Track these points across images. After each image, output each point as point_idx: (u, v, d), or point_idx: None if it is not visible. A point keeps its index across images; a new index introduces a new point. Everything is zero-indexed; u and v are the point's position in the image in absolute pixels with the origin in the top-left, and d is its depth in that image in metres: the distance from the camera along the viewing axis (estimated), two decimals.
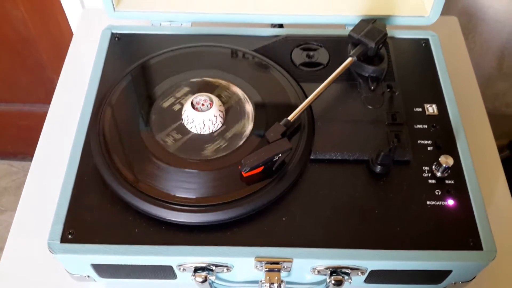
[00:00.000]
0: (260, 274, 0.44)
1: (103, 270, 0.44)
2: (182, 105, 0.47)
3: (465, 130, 0.48)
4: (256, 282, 0.45)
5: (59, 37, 1.09)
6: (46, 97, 1.31)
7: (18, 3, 1.02)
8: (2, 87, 1.27)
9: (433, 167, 0.46)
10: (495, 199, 0.56)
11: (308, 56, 0.54)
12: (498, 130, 1.14)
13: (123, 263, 0.42)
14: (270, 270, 0.41)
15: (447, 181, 0.45)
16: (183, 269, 0.42)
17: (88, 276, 0.45)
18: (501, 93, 0.96)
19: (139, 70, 0.52)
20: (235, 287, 0.45)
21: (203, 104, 0.46)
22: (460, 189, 0.45)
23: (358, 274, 0.42)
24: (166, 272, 0.44)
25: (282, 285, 0.42)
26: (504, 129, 1.13)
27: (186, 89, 0.50)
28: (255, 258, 0.41)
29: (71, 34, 1.03)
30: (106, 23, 0.57)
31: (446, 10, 0.79)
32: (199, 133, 0.46)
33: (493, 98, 0.97)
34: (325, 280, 0.44)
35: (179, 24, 0.59)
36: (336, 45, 0.55)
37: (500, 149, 1.10)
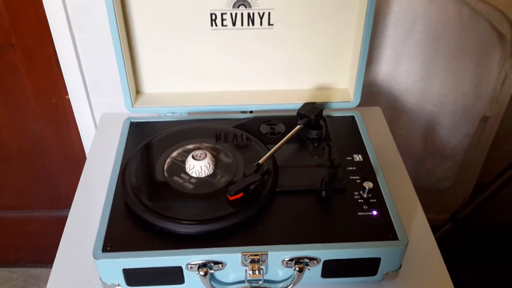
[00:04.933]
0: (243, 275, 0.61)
1: (131, 276, 0.60)
2: (185, 158, 0.68)
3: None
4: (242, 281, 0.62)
5: (70, 147, 1.29)
6: (52, 203, 1.45)
7: (39, 120, 1.23)
8: (12, 195, 1.41)
9: (361, 191, 0.66)
10: (407, 207, 0.75)
11: (271, 128, 0.77)
12: (438, 206, 1.34)
13: (147, 266, 0.59)
14: (252, 261, 0.58)
15: (371, 200, 0.65)
16: (190, 267, 0.59)
17: (118, 285, 0.61)
18: (431, 170, 1.19)
19: (153, 141, 0.73)
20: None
21: (200, 156, 0.67)
22: (380, 204, 0.65)
23: (314, 263, 0.60)
24: (177, 275, 0.60)
25: (261, 272, 0.59)
26: (443, 204, 1.33)
27: (187, 149, 0.71)
28: (241, 252, 0.58)
29: (81, 144, 1.25)
30: (119, 122, 0.80)
31: (375, 104, 1.05)
32: (197, 176, 0.66)
33: (427, 175, 1.20)
34: (292, 274, 0.61)
35: (179, 114, 0.82)
36: (290, 121, 0.78)
37: (443, 223, 1.28)
